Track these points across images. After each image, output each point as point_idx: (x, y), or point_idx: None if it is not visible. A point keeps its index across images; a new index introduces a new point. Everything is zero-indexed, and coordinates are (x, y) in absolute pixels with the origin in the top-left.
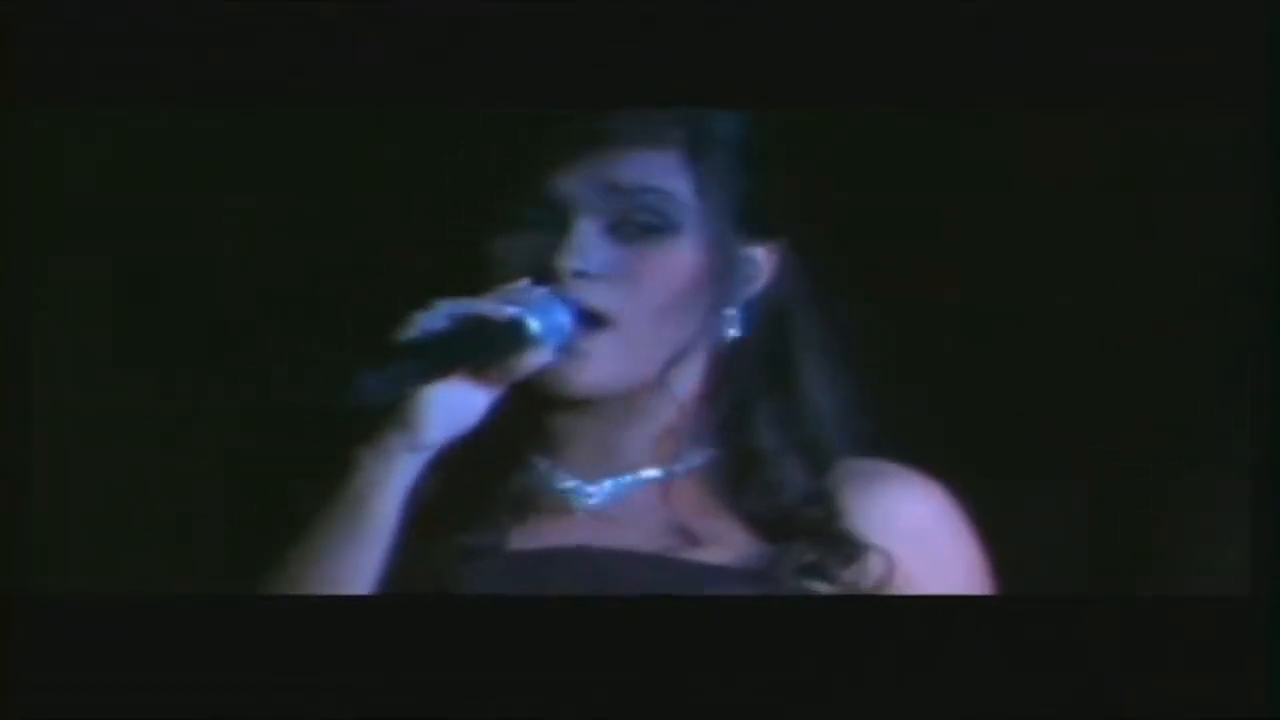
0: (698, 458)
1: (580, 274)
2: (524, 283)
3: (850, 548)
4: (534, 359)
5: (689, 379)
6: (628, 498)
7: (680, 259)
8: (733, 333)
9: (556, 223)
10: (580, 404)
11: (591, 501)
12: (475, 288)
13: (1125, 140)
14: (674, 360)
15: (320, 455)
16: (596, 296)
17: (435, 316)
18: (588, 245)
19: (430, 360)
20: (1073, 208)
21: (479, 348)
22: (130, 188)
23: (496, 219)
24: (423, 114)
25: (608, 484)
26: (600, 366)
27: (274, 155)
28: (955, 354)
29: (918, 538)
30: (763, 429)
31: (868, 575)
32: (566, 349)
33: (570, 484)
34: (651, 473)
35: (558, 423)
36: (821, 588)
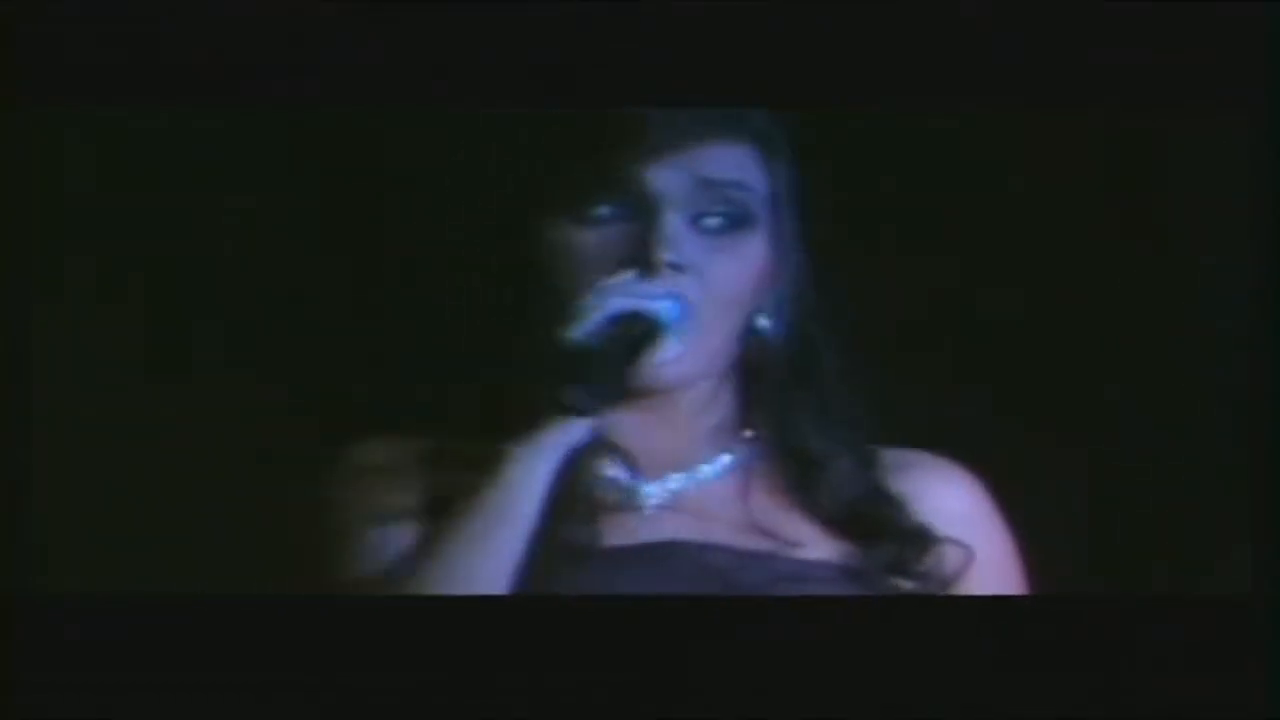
0: (740, 453)
1: (674, 266)
2: (629, 275)
3: (927, 541)
4: (664, 352)
5: (731, 373)
6: (688, 494)
7: (754, 251)
8: (764, 323)
9: (643, 216)
10: (643, 400)
11: (652, 501)
12: (555, 281)
13: (1125, 140)
14: (731, 353)
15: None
16: (685, 288)
17: (596, 313)
18: (679, 237)
19: (617, 363)
20: (1072, 207)
21: (638, 343)
22: (130, 188)
23: (577, 214)
24: (478, 117)
25: (671, 481)
26: (682, 360)
27: (274, 155)
28: (956, 353)
29: (964, 524)
30: (804, 424)
31: (946, 566)
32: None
33: (630, 481)
34: (708, 469)
35: (621, 420)
36: (907, 584)
